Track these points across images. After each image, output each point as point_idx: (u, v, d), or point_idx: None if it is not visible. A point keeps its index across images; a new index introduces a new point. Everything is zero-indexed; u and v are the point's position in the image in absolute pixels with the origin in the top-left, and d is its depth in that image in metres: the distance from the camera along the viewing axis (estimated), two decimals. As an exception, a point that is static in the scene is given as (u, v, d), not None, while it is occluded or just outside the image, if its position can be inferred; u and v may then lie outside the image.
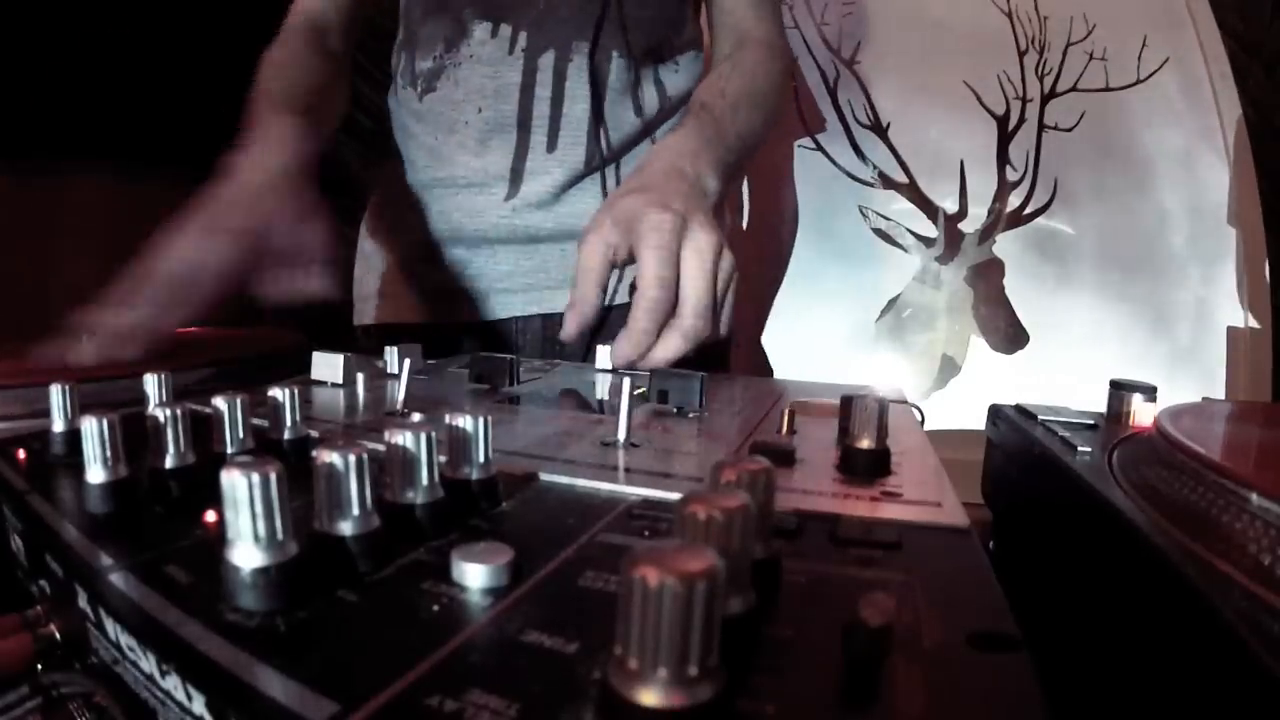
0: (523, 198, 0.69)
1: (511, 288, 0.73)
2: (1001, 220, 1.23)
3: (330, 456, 0.17)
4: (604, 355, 0.51)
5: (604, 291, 0.52)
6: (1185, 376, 1.17)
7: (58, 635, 0.21)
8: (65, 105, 1.19)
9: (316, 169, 0.57)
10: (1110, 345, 1.20)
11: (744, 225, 1.28)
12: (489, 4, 0.68)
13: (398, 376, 0.37)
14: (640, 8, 0.70)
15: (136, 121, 1.21)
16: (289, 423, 0.27)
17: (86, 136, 1.20)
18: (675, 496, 0.23)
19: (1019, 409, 0.42)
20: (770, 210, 1.29)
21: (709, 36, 0.79)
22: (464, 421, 0.21)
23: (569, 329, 0.51)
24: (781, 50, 0.74)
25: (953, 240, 1.24)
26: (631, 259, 0.52)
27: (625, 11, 0.69)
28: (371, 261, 0.79)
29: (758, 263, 1.26)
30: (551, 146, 0.69)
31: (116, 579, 0.17)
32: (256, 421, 0.26)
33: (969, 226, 1.24)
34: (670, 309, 0.48)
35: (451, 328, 0.74)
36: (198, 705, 0.14)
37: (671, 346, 0.48)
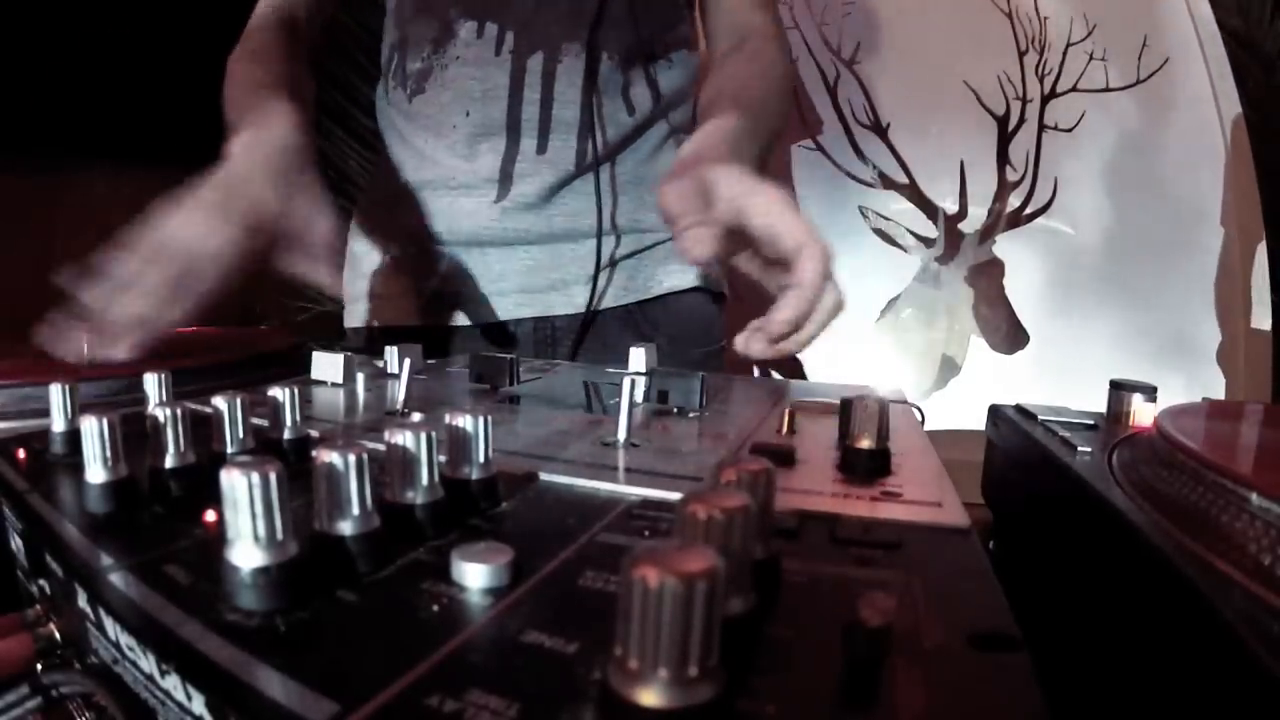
0: (513, 200, 0.69)
1: (503, 289, 0.73)
2: (1001, 220, 1.23)
3: (330, 456, 0.17)
4: (636, 357, 0.48)
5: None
6: (1185, 376, 1.17)
7: (58, 635, 0.21)
8: (65, 103, 1.19)
9: (314, 150, 0.57)
10: (1110, 345, 1.20)
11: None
12: (475, 4, 0.67)
13: (398, 376, 0.37)
14: (631, 6, 0.69)
15: (136, 119, 1.21)
16: (289, 423, 0.27)
17: (86, 134, 1.20)
18: (675, 496, 0.23)
19: (1019, 409, 0.42)
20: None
21: (704, 33, 0.78)
22: (464, 421, 0.21)
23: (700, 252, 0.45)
24: (783, 43, 0.73)
25: (953, 240, 1.24)
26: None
27: (616, 11, 0.68)
28: (361, 263, 0.79)
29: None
30: (541, 149, 0.68)
31: (116, 579, 0.17)
32: (256, 421, 0.26)
33: (969, 226, 1.23)
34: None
35: (443, 330, 0.74)
36: (197, 705, 0.14)
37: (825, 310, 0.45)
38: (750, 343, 0.45)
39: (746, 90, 0.62)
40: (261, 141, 0.52)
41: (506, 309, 0.73)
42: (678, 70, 0.73)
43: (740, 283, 0.70)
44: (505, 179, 0.69)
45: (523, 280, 0.72)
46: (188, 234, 0.46)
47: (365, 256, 0.79)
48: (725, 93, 0.62)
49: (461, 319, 0.74)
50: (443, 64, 0.68)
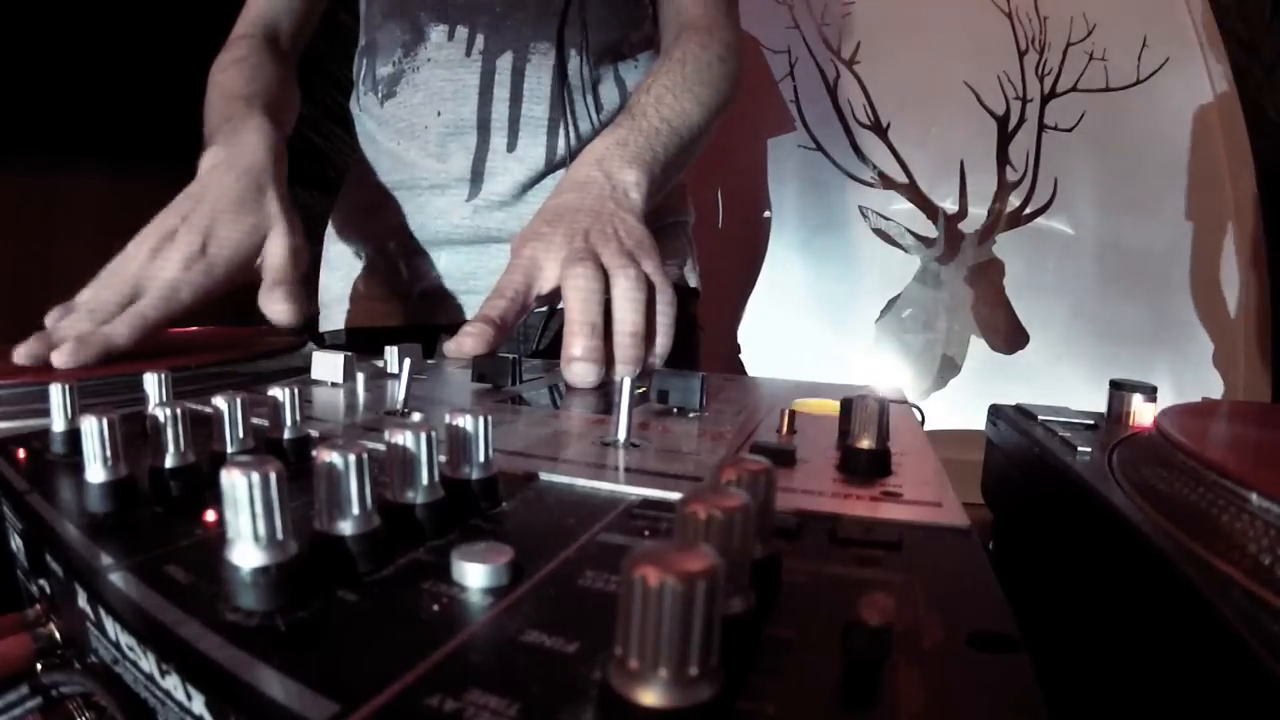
0: (484, 198, 0.69)
1: (476, 288, 0.73)
2: (1001, 220, 1.23)
3: (330, 456, 0.17)
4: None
5: (519, 312, 0.52)
6: (1185, 376, 1.17)
7: (58, 635, 0.21)
8: (64, 103, 1.19)
9: (283, 165, 0.57)
10: (1110, 345, 1.20)
11: (719, 223, 1.28)
12: (445, 7, 0.68)
13: (398, 376, 0.37)
14: (598, 6, 0.70)
15: (137, 118, 1.21)
16: (289, 422, 0.27)
17: (84, 134, 1.20)
18: (675, 496, 0.23)
19: (1019, 409, 0.42)
20: (742, 207, 1.29)
21: (660, 27, 0.78)
22: (464, 421, 0.21)
23: (463, 345, 0.49)
24: (721, 30, 0.72)
25: (953, 240, 1.24)
26: (553, 292, 0.53)
27: (583, 11, 0.69)
28: (336, 266, 0.79)
29: (731, 260, 1.27)
30: (511, 146, 0.69)
31: (116, 579, 0.17)
32: (256, 421, 0.26)
33: (969, 226, 1.24)
34: (602, 348, 0.47)
35: (418, 330, 0.74)
36: (197, 705, 0.14)
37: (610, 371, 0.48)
38: (460, 341, 0.49)
39: (644, 96, 0.64)
40: (229, 160, 0.53)
41: (479, 307, 0.74)
42: (644, 70, 0.74)
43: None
44: (477, 177, 0.69)
45: (495, 278, 0.73)
46: (135, 267, 0.48)
47: (340, 260, 0.79)
48: (633, 106, 0.64)
49: (436, 318, 0.74)
50: (414, 67, 0.69)
